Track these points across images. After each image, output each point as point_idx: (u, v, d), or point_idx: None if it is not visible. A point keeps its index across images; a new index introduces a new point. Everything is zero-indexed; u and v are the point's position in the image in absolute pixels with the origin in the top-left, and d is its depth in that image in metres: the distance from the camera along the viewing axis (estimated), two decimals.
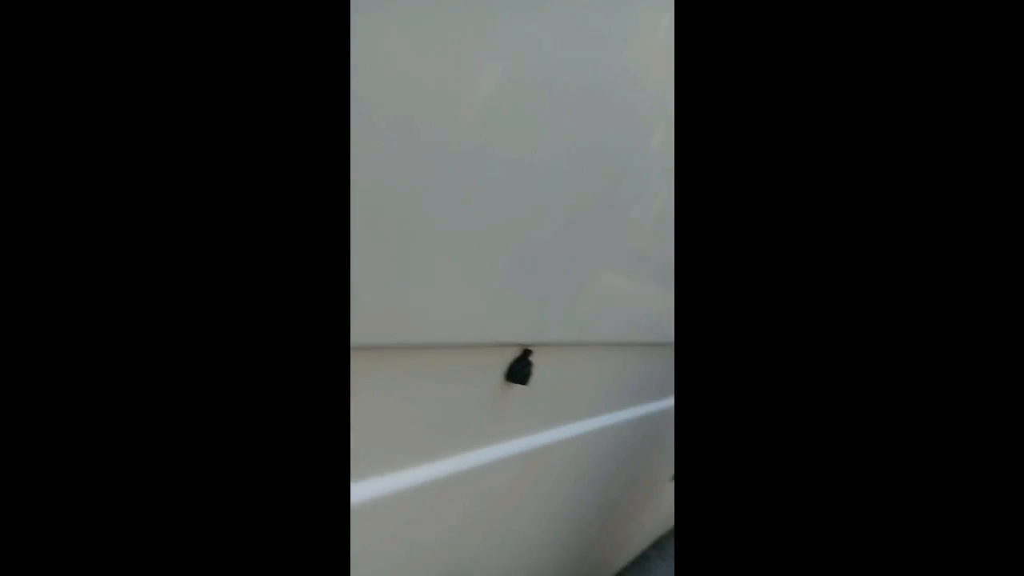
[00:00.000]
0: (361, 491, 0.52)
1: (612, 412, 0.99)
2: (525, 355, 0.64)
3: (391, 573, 0.62)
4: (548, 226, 0.58)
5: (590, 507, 1.13)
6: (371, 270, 0.42)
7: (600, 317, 0.78)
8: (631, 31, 0.57)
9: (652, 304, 0.94)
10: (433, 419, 0.58)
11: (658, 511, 1.70)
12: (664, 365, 1.13)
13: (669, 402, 1.22)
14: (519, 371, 0.63)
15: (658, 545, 2.27)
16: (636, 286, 0.86)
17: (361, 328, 0.43)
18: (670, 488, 1.62)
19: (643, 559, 2.16)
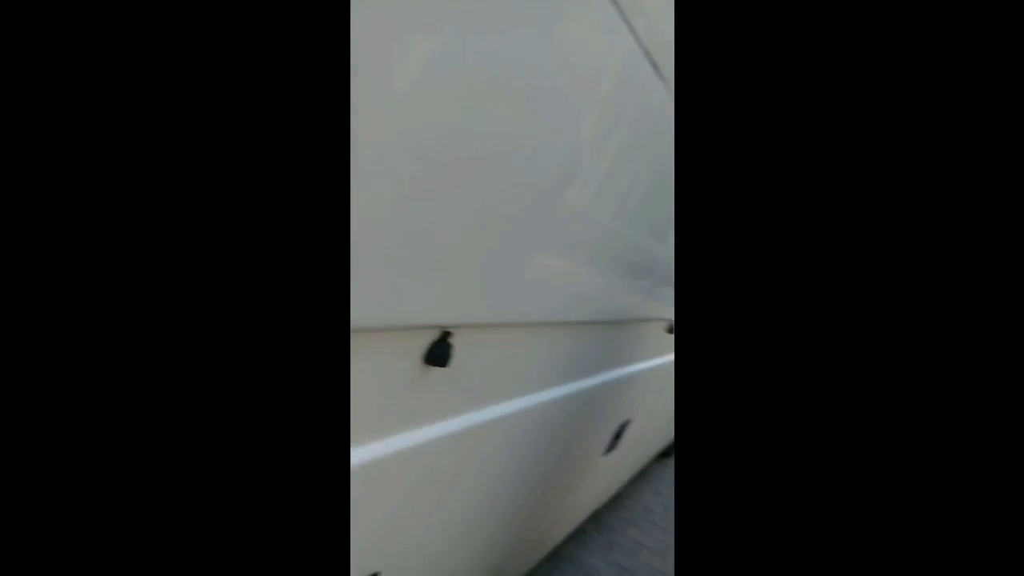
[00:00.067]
0: None
1: (541, 391, 1.00)
2: (444, 337, 0.63)
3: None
4: (466, 207, 0.56)
5: (523, 485, 1.14)
6: None
7: (526, 297, 0.78)
8: (562, 21, 0.56)
9: (582, 285, 0.95)
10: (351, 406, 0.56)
11: (593, 485, 1.74)
12: (592, 343, 1.15)
13: (599, 379, 1.25)
14: (438, 353, 0.62)
15: (594, 519, 2.34)
16: (565, 267, 0.86)
17: None
18: (603, 463, 1.66)
19: (580, 533, 2.22)
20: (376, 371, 0.57)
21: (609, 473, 1.87)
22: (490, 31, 0.50)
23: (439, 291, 0.59)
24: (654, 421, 2.22)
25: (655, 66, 0.78)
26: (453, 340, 0.64)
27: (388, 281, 0.51)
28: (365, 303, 0.50)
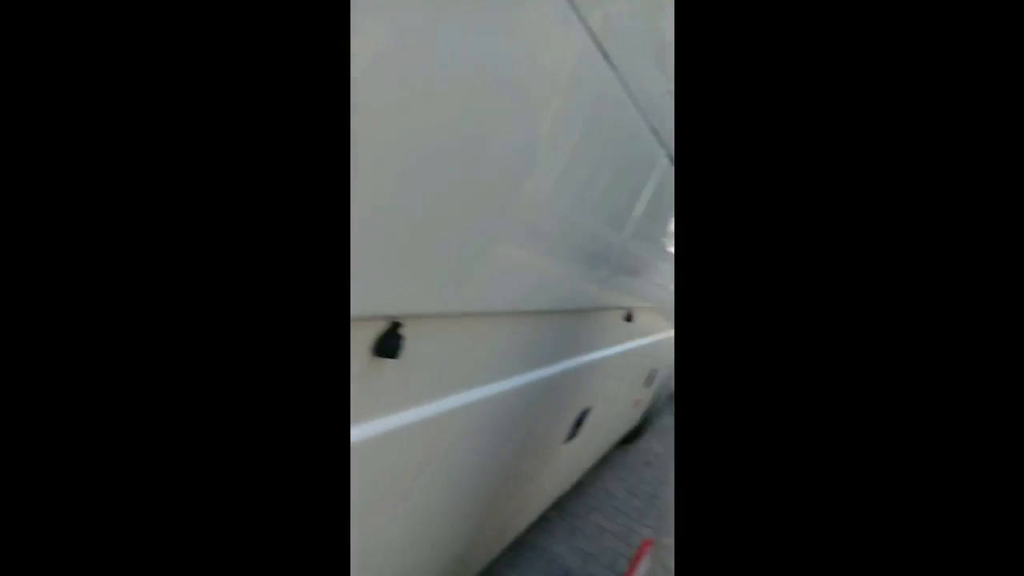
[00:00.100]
0: None
1: (499, 381, 1.00)
2: (394, 328, 0.62)
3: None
4: (416, 195, 0.55)
5: (485, 475, 1.14)
6: None
7: (480, 287, 0.77)
8: (512, 12, 0.55)
9: (538, 274, 0.95)
10: None
11: (555, 473, 1.76)
12: (550, 332, 1.16)
13: (558, 368, 1.26)
14: (388, 345, 0.61)
15: (558, 506, 2.36)
16: (521, 256, 0.86)
17: None
18: (565, 450, 1.68)
19: (544, 520, 2.24)
20: None
21: (571, 460, 1.89)
22: (442, 21, 0.49)
23: (387, 281, 0.58)
24: (615, 408, 2.26)
25: (606, 56, 0.78)
26: (404, 331, 0.63)
27: None
28: None
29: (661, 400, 3.77)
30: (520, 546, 2.00)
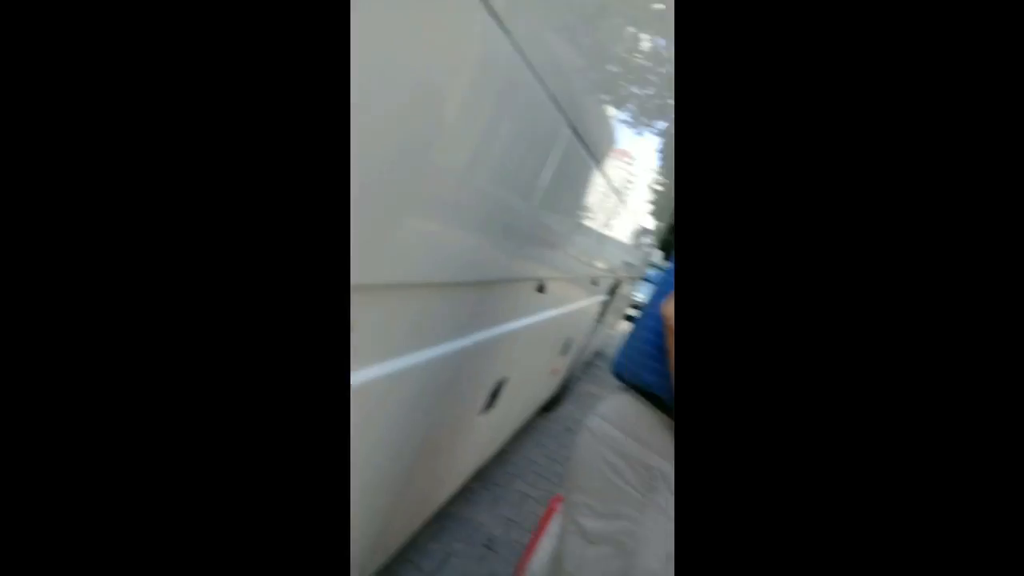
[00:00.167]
0: None
1: (408, 354, 0.99)
2: None
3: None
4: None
5: (400, 449, 1.14)
6: None
7: (386, 259, 0.76)
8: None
9: (446, 246, 0.94)
10: None
11: (474, 443, 1.79)
12: (459, 304, 1.16)
13: (469, 340, 1.27)
14: None
15: (480, 476, 2.40)
16: (424, 228, 0.85)
17: None
18: (483, 421, 1.71)
19: (466, 491, 2.27)
20: None
21: (490, 430, 1.92)
22: None
23: None
24: (532, 377, 2.31)
25: (507, 32, 0.78)
26: None
27: None
28: None
29: (579, 367, 3.90)
30: (443, 517, 2.02)
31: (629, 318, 6.08)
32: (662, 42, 2.46)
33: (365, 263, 0.70)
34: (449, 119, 0.78)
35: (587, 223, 2.11)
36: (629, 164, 2.77)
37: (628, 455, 0.79)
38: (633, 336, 0.85)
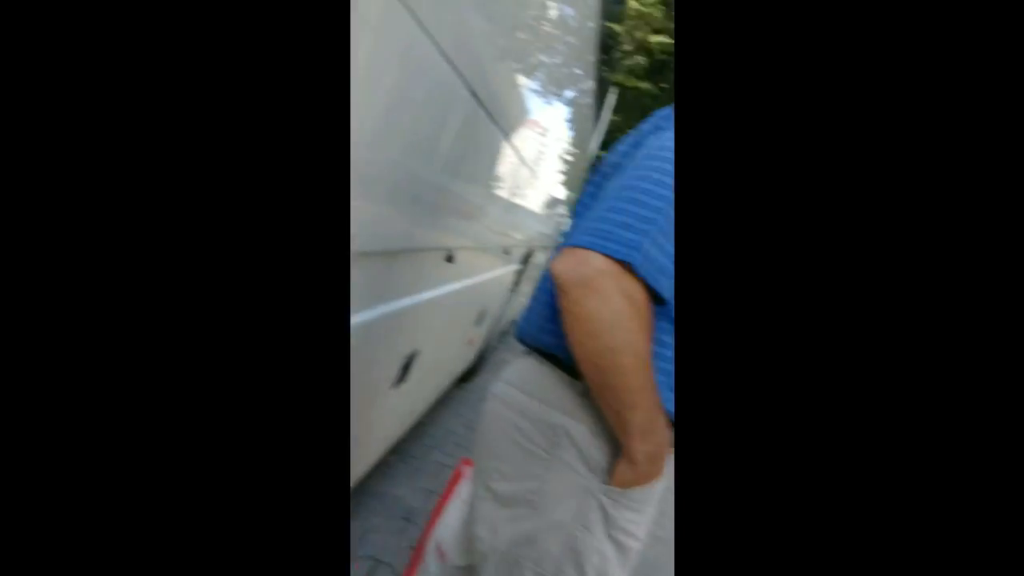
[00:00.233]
0: None
1: None
2: None
3: None
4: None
5: None
6: None
7: None
8: None
9: (355, 218, 0.90)
10: None
11: (389, 417, 1.76)
12: (364, 276, 1.12)
13: (375, 312, 1.23)
14: None
15: (397, 449, 2.39)
16: None
17: None
18: (396, 394, 1.68)
19: (383, 465, 2.25)
20: None
21: (404, 403, 1.90)
22: None
23: None
24: (446, 349, 2.30)
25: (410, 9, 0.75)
26: None
27: None
28: None
29: (495, 337, 3.94)
30: (360, 493, 2.00)
31: None
32: (570, 11, 2.46)
33: None
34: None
35: (497, 192, 2.10)
36: (541, 134, 2.78)
37: (533, 416, 0.81)
38: (533, 300, 0.86)
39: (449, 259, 1.67)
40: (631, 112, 9.26)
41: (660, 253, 0.65)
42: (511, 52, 1.54)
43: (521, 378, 0.84)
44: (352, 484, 1.73)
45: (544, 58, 2.48)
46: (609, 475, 0.76)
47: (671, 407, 0.75)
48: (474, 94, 1.25)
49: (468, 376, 3.50)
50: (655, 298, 0.68)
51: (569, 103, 3.20)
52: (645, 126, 0.81)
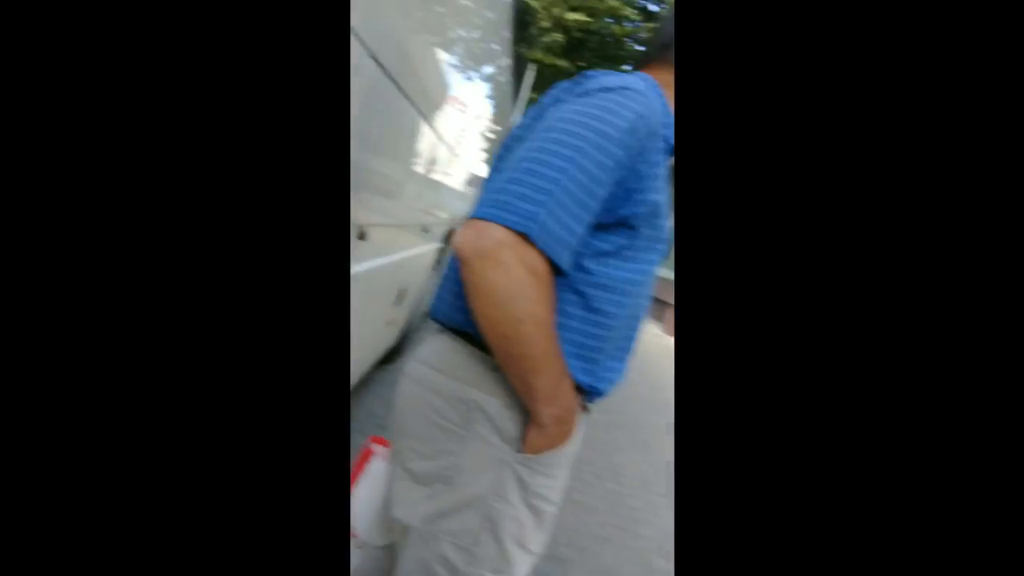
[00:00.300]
0: None
1: None
2: None
3: None
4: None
5: None
6: None
7: None
8: None
9: None
10: None
11: None
12: None
13: None
14: None
15: None
16: None
17: None
18: None
19: None
20: None
21: None
22: None
23: None
24: (364, 330, 2.25)
25: None
26: None
27: None
28: None
29: (418, 317, 3.90)
30: None
31: None
32: None
33: None
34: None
35: (413, 168, 2.06)
36: (460, 111, 2.74)
37: (446, 393, 0.81)
38: (444, 278, 0.85)
39: (361, 236, 1.62)
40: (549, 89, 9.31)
41: (557, 224, 0.65)
42: (425, 24, 1.49)
43: (434, 356, 0.84)
44: None
45: (462, 32, 2.44)
46: (522, 443, 0.77)
47: (577, 374, 0.77)
48: (381, 65, 1.20)
49: (391, 357, 3.44)
50: (555, 269, 0.69)
51: (488, 79, 3.17)
52: (546, 98, 0.82)
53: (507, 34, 2.97)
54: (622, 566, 2.04)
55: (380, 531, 0.95)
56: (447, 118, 2.29)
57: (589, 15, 11.64)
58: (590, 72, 0.79)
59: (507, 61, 3.31)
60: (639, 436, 3.59)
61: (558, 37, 11.76)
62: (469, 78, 2.73)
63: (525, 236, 0.64)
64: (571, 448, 0.82)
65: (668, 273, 10.92)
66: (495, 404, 0.77)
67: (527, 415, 0.77)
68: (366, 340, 2.43)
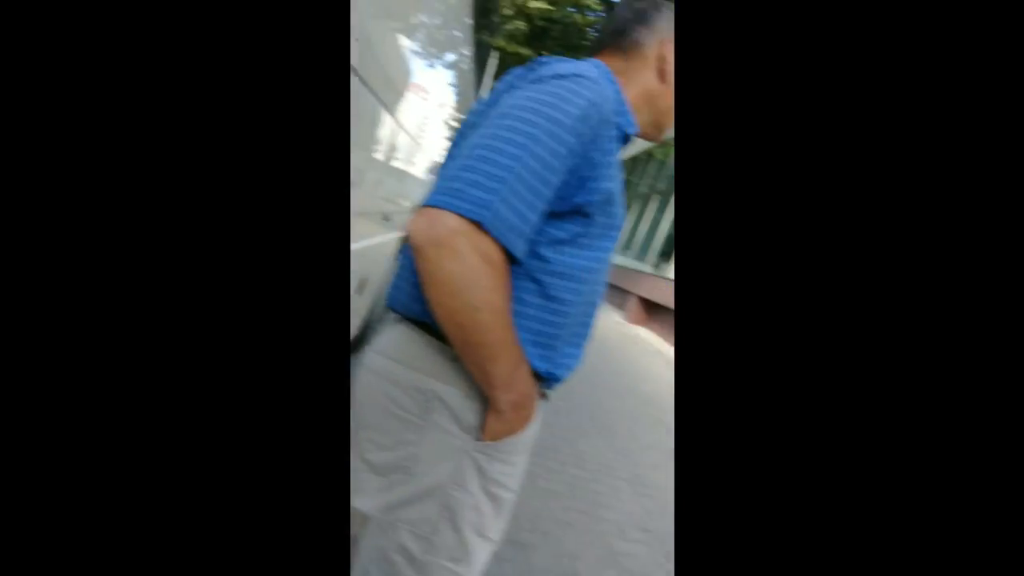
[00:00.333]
0: None
1: None
2: None
3: None
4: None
5: None
6: None
7: None
8: None
9: None
10: None
11: None
12: None
13: None
14: None
15: None
16: None
17: None
18: None
19: None
20: None
21: None
22: None
23: None
24: None
25: None
26: None
27: None
28: None
29: (381, 308, 3.85)
30: None
31: None
32: None
33: None
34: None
35: (374, 156, 2.02)
36: (423, 99, 2.71)
37: (404, 384, 0.81)
38: (401, 267, 0.85)
39: None
40: None
41: (511, 212, 0.65)
42: (385, 8, 1.47)
43: (391, 346, 0.83)
44: None
45: (424, 18, 2.40)
46: (480, 431, 0.78)
47: (534, 361, 0.78)
48: None
49: (354, 347, 3.40)
50: (510, 257, 0.69)
51: (451, 67, 3.14)
52: (500, 85, 0.81)
53: (469, 21, 2.94)
54: (584, 550, 2.08)
55: None
56: (409, 106, 2.26)
57: (551, 3, 11.62)
58: (543, 58, 0.79)
59: (470, 49, 3.29)
60: (602, 422, 3.65)
61: (521, 25, 11.70)
62: (431, 65, 2.69)
63: (479, 224, 0.64)
64: (529, 434, 0.83)
65: (626, 261, 11.06)
66: (454, 394, 0.78)
67: (485, 404, 0.78)
68: None
